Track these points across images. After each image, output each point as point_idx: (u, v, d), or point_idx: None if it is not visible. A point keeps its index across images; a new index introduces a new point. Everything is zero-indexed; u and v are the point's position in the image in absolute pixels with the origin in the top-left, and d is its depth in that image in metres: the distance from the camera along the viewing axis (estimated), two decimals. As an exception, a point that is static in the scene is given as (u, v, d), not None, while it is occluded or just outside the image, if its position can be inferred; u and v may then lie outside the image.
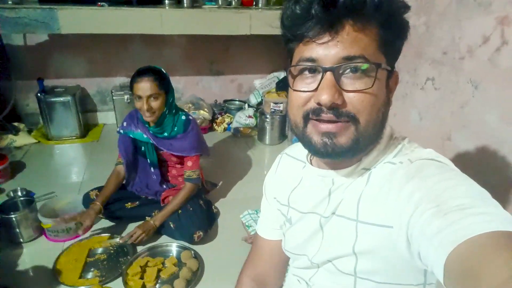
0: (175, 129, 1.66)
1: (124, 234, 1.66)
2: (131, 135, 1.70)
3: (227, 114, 2.99)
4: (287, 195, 0.75)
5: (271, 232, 0.83)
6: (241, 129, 2.83)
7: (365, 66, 0.51)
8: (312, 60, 0.53)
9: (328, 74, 0.52)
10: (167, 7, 2.41)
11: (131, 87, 1.57)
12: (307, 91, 0.55)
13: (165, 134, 1.65)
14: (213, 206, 1.89)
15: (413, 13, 1.74)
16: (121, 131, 1.71)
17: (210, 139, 2.78)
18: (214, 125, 2.95)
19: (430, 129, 1.70)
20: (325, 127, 0.54)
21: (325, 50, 0.52)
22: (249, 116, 2.81)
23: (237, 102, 3.14)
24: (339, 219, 0.63)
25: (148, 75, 1.52)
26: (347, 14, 0.50)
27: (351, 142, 0.54)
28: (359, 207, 0.59)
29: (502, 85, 1.32)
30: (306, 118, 0.56)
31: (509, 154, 1.32)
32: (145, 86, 1.52)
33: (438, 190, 0.48)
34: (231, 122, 2.92)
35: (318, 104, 0.53)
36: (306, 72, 0.55)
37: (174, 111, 1.66)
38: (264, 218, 0.85)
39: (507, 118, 1.31)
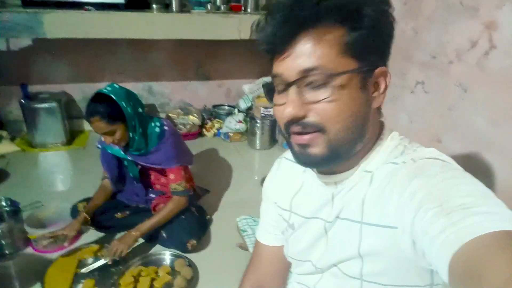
0: (149, 143, 1.56)
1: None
2: (109, 151, 1.63)
3: (217, 119, 2.97)
4: (289, 200, 0.74)
5: (271, 238, 0.82)
6: (231, 134, 2.82)
7: (321, 78, 0.52)
8: (277, 75, 0.56)
9: (291, 89, 0.54)
10: (155, 12, 2.38)
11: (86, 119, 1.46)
12: (281, 104, 0.57)
13: (142, 151, 1.56)
14: (205, 213, 1.87)
15: (401, 17, 1.77)
16: (99, 146, 1.66)
17: (200, 144, 2.76)
18: (204, 130, 2.93)
19: (420, 131, 1.73)
20: (299, 138, 0.56)
21: (285, 65, 0.54)
22: (239, 121, 2.80)
23: (226, 107, 3.12)
24: (343, 222, 0.62)
25: (95, 115, 1.39)
26: (299, 27, 0.51)
27: (326, 151, 0.56)
28: (363, 208, 0.59)
29: (490, 88, 1.35)
30: (287, 130, 0.58)
31: (497, 155, 1.35)
32: (95, 127, 1.42)
33: (441, 189, 0.48)
34: (221, 128, 2.90)
35: (286, 117, 0.55)
36: (279, 87, 0.57)
37: (141, 130, 1.52)
38: (264, 223, 0.83)
39: (495, 119, 1.35)
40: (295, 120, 0.54)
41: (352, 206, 0.61)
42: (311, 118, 0.54)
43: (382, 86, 0.58)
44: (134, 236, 1.48)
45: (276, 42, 0.54)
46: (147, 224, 1.52)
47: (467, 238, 0.40)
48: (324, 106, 0.53)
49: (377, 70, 0.56)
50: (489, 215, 0.42)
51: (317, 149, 0.56)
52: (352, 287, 0.62)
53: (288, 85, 0.54)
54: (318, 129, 0.54)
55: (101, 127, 1.41)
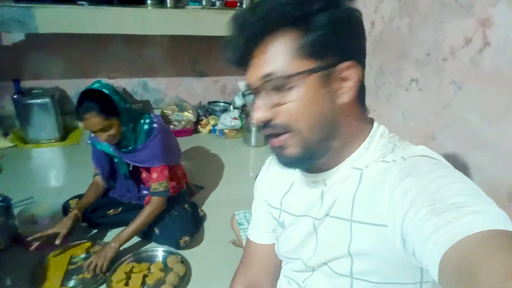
0: (138, 140, 1.53)
1: (105, 240, 1.62)
2: (98, 147, 1.61)
3: (212, 116, 2.97)
4: (280, 198, 0.73)
5: (263, 236, 0.81)
6: (226, 131, 2.81)
7: (278, 82, 0.55)
8: (247, 85, 0.60)
9: (257, 95, 0.58)
10: (149, 7, 2.37)
11: (78, 117, 1.41)
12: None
13: (130, 147, 1.54)
14: (199, 209, 1.86)
15: (396, 15, 1.77)
16: (89, 141, 1.63)
17: (195, 141, 2.75)
18: (199, 127, 2.92)
19: (414, 129, 1.72)
20: (272, 141, 0.59)
21: (249, 75, 0.58)
22: (234, 118, 2.79)
23: (221, 104, 3.12)
24: (333, 220, 0.62)
25: (90, 111, 1.35)
26: (254, 42, 0.56)
27: (300, 150, 0.57)
28: (353, 206, 0.59)
29: (484, 86, 1.35)
30: (263, 135, 0.61)
31: (490, 153, 1.35)
32: (90, 124, 1.37)
33: (433, 188, 0.48)
34: (216, 124, 2.90)
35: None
36: (251, 96, 0.61)
37: (132, 125, 1.51)
38: (255, 221, 0.83)
39: (488, 117, 1.34)
40: (265, 123, 0.57)
41: (341, 204, 0.60)
42: (278, 120, 0.56)
43: (350, 80, 0.57)
44: (113, 248, 1.43)
45: (239, 61, 0.59)
46: (126, 233, 1.47)
47: (459, 237, 0.40)
48: (288, 107, 0.55)
49: (341, 66, 0.56)
50: (481, 214, 0.42)
51: (292, 149, 0.58)
52: (342, 284, 0.62)
53: (252, 92, 0.59)
54: (287, 130, 0.56)
55: (97, 122, 1.37)
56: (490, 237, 0.39)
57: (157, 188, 1.55)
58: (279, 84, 0.55)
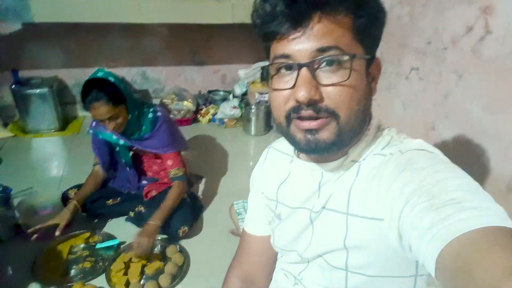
0: (143, 129, 1.55)
1: (104, 230, 1.63)
2: (101, 136, 1.61)
3: (212, 105, 2.95)
4: (275, 190, 0.73)
5: (259, 228, 0.81)
6: (226, 120, 2.80)
7: (339, 57, 0.51)
8: (286, 56, 0.53)
9: (304, 70, 0.51)
10: (147, -5, 2.33)
11: (85, 107, 1.40)
12: (285, 89, 0.54)
13: (135, 136, 1.55)
14: (198, 199, 1.86)
15: (397, 3, 1.73)
16: (91, 131, 1.63)
17: (195, 130, 2.74)
18: (199, 116, 2.91)
19: (414, 119, 1.71)
20: (307, 124, 0.54)
21: (297, 45, 0.51)
22: (234, 107, 2.78)
23: (221, 93, 3.10)
24: (329, 212, 0.62)
25: (99, 100, 1.35)
26: (314, 7, 0.50)
27: (334, 137, 0.54)
28: (349, 199, 0.58)
29: (485, 75, 1.32)
30: (289, 118, 0.56)
31: (490, 143, 1.33)
32: (100, 112, 1.37)
33: (430, 183, 0.48)
34: (216, 113, 2.89)
35: (297, 101, 0.52)
36: (283, 70, 0.55)
37: (137, 113, 1.52)
38: (252, 214, 0.83)
39: (489, 107, 1.33)
40: (311, 103, 0.52)
41: (338, 197, 0.60)
42: (326, 102, 0.52)
43: (376, 77, 0.59)
44: (155, 226, 1.45)
45: (286, 22, 0.51)
46: (162, 211, 1.50)
47: (456, 233, 0.40)
48: (339, 90, 0.51)
49: (376, 60, 0.58)
50: (479, 211, 0.42)
51: (326, 134, 0.54)
52: (337, 277, 0.62)
53: (300, 66, 0.51)
54: (330, 113, 0.52)
55: (106, 111, 1.37)
56: (487, 234, 0.39)
57: (177, 173, 1.61)
58: (336, 63, 0.51)
